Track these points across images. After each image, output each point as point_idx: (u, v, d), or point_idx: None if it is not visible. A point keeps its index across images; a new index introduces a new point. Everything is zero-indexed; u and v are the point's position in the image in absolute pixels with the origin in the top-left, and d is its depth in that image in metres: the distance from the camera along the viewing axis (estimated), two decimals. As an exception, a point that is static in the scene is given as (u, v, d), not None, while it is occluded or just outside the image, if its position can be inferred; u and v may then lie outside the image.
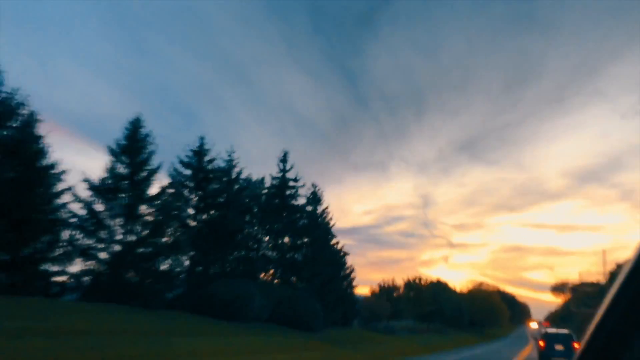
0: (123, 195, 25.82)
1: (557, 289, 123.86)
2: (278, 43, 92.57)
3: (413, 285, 73.15)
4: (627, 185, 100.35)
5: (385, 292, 65.27)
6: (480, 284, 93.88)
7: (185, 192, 31.38)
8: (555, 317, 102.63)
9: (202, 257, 31.32)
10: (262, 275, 37.31)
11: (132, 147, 26.16)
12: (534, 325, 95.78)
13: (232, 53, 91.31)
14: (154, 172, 26.88)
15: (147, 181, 26.51)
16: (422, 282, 76.67)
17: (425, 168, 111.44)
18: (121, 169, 25.98)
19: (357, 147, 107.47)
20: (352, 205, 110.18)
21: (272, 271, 37.64)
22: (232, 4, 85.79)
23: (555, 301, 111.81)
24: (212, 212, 32.51)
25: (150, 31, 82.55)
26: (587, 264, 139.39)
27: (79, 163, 78.80)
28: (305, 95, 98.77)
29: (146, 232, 25.96)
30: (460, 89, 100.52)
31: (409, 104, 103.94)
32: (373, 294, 64.04)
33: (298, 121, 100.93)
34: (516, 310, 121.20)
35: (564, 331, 27.82)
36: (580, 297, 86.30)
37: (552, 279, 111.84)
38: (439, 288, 74.88)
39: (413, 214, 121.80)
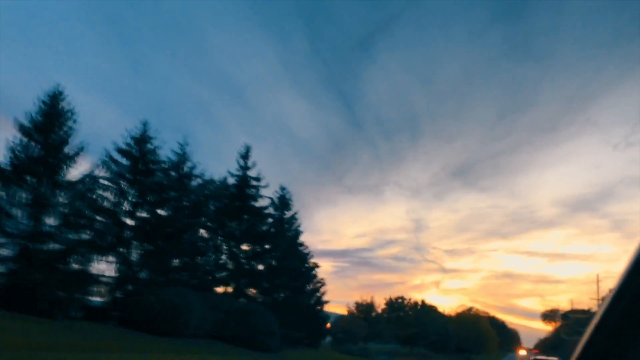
0: (33, 180, 21.49)
1: (548, 316, 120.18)
2: (276, 65, 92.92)
3: (395, 305, 68.59)
4: (618, 216, 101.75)
5: (363, 311, 60.62)
6: (470, 309, 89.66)
7: (123, 185, 27.02)
8: (546, 345, 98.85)
9: (137, 261, 26.85)
10: (215, 285, 32.83)
11: (48, 124, 21.94)
12: (522, 352, 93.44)
13: (230, 73, 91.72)
14: (75, 154, 22.64)
15: (64, 164, 22.19)
16: (406, 303, 72.17)
17: (418, 193, 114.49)
18: (33, 150, 21.69)
19: (352, 170, 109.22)
20: (346, 227, 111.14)
21: (224, 281, 33.03)
22: (231, 25, 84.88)
23: (546, 329, 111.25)
24: (154, 209, 28.14)
25: (149, 49, 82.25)
26: (577, 293, 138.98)
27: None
28: (302, 118, 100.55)
29: (58, 224, 21.55)
30: (455, 115, 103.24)
31: (405, 129, 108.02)
32: (349, 313, 59.23)
33: (294, 143, 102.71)
34: (506, 337, 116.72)
35: (554, 358, 24.39)
36: (571, 324, 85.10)
37: (542, 307, 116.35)
38: (424, 310, 70.19)
39: (406, 238, 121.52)
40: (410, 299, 71.63)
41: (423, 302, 73.30)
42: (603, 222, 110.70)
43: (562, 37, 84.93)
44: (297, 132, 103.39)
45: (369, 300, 63.31)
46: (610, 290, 1.06)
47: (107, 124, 66.33)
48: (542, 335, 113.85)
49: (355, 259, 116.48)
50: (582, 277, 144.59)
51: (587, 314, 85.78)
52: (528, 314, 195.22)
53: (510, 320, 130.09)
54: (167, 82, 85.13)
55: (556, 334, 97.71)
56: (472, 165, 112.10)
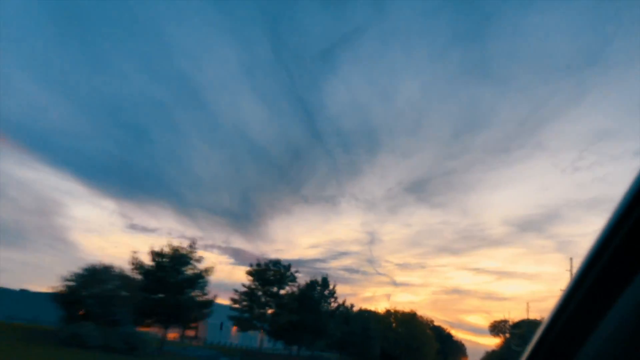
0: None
1: (497, 327, 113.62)
2: (237, 70, 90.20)
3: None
4: (562, 237, 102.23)
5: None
6: (405, 312, 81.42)
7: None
8: (494, 357, 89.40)
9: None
10: None
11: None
12: None
13: (190, 75, 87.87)
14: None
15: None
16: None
17: (374, 206, 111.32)
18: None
19: (309, 181, 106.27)
20: (300, 237, 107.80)
21: None
22: (193, 26, 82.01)
23: (493, 342, 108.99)
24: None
25: (106, 46, 78.66)
26: (521, 311, 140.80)
27: (21, 174, 75.67)
28: (261, 124, 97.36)
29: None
30: (412, 132, 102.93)
31: (363, 142, 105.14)
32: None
33: (251, 149, 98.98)
34: (451, 348, 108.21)
35: None
36: (523, 334, 77.26)
37: (488, 323, 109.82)
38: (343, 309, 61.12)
39: (359, 251, 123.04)
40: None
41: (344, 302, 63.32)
42: (548, 243, 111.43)
43: (518, 61, 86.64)
44: (255, 139, 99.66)
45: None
46: (557, 298, 1.12)
47: (59, 118, 65.89)
48: (490, 350, 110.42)
49: (309, 270, 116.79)
50: (527, 295, 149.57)
51: (539, 324, 79.16)
52: (475, 330, 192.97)
53: (458, 335, 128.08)
54: (124, 79, 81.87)
55: (506, 345, 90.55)
56: (426, 182, 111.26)
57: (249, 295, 50.69)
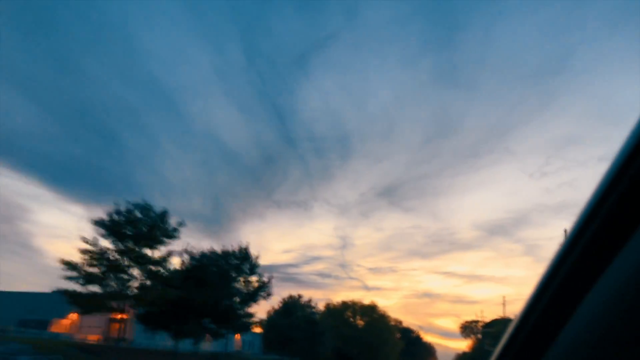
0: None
1: (468, 328, 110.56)
2: (209, 74, 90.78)
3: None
4: (530, 241, 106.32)
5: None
6: (365, 304, 73.96)
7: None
8: (465, 359, 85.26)
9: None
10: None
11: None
12: None
13: (161, 79, 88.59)
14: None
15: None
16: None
17: (346, 211, 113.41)
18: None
19: (282, 185, 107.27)
20: (272, 242, 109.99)
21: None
22: (165, 30, 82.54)
23: (463, 344, 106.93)
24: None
25: (75, 48, 77.03)
26: (490, 314, 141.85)
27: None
28: (233, 129, 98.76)
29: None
30: (384, 137, 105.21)
31: (335, 148, 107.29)
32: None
33: (224, 153, 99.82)
34: (420, 350, 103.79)
35: None
36: (495, 333, 72.94)
37: (458, 327, 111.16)
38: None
39: (331, 255, 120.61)
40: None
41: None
42: (517, 247, 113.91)
43: (487, 69, 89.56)
44: (227, 144, 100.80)
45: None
46: (527, 296, 1.13)
47: (25, 121, 63.68)
48: (460, 352, 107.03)
49: (281, 275, 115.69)
50: (495, 298, 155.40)
51: (510, 322, 75.50)
52: (445, 333, 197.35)
53: (428, 339, 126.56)
54: (94, 82, 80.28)
55: (478, 346, 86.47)
56: (398, 186, 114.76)
57: (99, 259, 31.81)
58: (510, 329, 1.21)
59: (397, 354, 74.70)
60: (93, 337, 41.77)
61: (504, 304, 63.47)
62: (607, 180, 0.88)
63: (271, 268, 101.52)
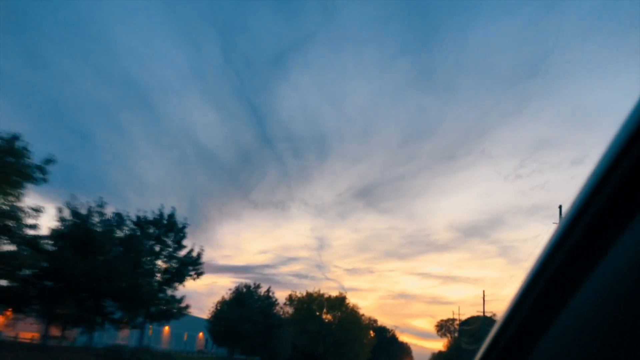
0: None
1: (444, 327, 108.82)
2: (186, 72, 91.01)
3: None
4: (505, 243, 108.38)
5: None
6: (333, 296, 65.98)
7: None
8: (441, 358, 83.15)
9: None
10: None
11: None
12: None
13: (137, 77, 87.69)
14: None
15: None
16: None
17: (323, 211, 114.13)
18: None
19: (259, 185, 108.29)
20: (249, 243, 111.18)
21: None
22: (141, 27, 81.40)
23: (439, 344, 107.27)
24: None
25: (49, 44, 75.11)
26: (468, 313, 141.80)
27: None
28: (210, 128, 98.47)
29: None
30: (362, 138, 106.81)
31: (313, 148, 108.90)
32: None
33: (199, 152, 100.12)
34: (395, 350, 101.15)
35: None
36: (473, 331, 72.00)
37: (433, 328, 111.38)
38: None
39: (308, 256, 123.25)
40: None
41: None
42: (492, 248, 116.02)
43: (464, 72, 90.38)
44: (204, 143, 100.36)
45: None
46: (512, 296, 1.11)
47: None
48: (436, 352, 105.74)
49: (257, 276, 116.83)
50: (470, 299, 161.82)
51: (488, 322, 73.14)
52: (421, 334, 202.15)
53: (404, 339, 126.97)
54: (67, 79, 78.89)
55: (455, 345, 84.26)
56: (375, 187, 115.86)
57: None
58: (495, 328, 1.18)
59: (368, 352, 69.15)
60: None
61: (483, 299, 59.91)
62: (596, 177, 0.85)
63: (248, 269, 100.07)
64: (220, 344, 47.04)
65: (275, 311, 49.33)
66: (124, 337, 41.68)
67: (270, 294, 49.27)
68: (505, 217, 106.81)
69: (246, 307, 42.89)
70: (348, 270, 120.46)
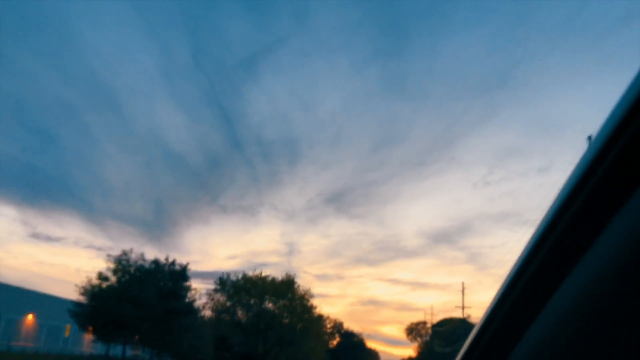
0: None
1: (414, 330, 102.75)
2: (154, 74, 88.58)
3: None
4: (473, 249, 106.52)
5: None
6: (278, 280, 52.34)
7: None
8: None
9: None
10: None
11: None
12: None
13: (103, 77, 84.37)
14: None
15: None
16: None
17: (293, 216, 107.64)
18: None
19: (228, 190, 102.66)
20: (217, 248, 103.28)
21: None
22: (108, 26, 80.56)
23: (407, 352, 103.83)
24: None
25: (10, 42, 72.00)
26: (439, 317, 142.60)
27: None
28: (178, 131, 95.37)
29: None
30: (332, 143, 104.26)
31: (284, 153, 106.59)
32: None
33: (167, 156, 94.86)
34: (362, 355, 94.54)
35: None
36: (446, 334, 68.02)
37: (404, 329, 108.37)
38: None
39: (278, 261, 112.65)
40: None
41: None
42: (460, 255, 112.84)
43: (434, 79, 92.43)
44: (172, 146, 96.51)
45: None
46: (492, 298, 1.14)
47: None
48: (406, 357, 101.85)
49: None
50: (439, 305, 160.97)
51: (463, 323, 67.60)
52: (389, 340, 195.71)
53: (374, 346, 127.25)
54: (29, 77, 76.82)
55: (427, 348, 78.09)
56: (345, 193, 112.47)
57: None
58: (475, 329, 1.20)
59: (322, 353, 57.29)
60: None
61: (463, 292, 53.52)
62: (576, 177, 0.86)
63: (215, 274, 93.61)
64: (100, 336, 35.69)
65: (190, 296, 38.94)
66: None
67: (177, 267, 38.68)
68: (474, 224, 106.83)
69: (133, 289, 32.24)
70: (318, 276, 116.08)
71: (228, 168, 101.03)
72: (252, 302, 47.35)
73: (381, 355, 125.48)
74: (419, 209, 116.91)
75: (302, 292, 50.51)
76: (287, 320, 47.53)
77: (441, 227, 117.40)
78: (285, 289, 49.13)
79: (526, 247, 0.99)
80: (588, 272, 0.85)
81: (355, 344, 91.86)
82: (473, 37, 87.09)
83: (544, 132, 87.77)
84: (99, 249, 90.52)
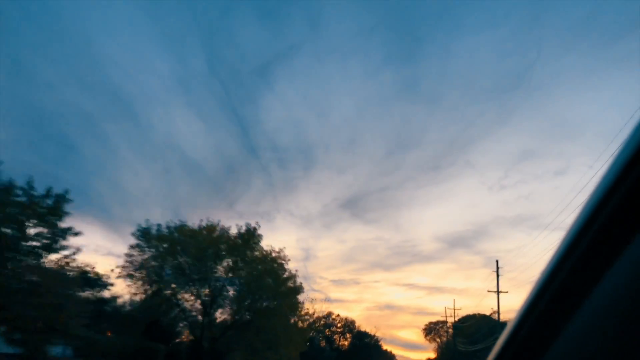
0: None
1: (432, 330, 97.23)
2: (170, 82, 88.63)
3: None
4: (489, 253, 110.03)
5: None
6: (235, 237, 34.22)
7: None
8: None
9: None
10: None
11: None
12: None
13: (121, 87, 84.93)
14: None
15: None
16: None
17: (309, 222, 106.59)
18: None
19: (244, 196, 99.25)
20: None
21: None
22: (124, 36, 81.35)
23: (426, 355, 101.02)
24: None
25: (30, 52, 72.83)
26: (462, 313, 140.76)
27: None
28: (195, 138, 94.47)
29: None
30: (347, 149, 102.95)
31: (299, 159, 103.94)
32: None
33: (185, 163, 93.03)
34: (376, 356, 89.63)
35: None
36: (469, 329, 65.08)
37: (419, 338, 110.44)
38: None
39: (294, 267, 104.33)
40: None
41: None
42: (476, 259, 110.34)
43: (448, 83, 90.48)
44: (189, 154, 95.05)
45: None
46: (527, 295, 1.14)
47: None
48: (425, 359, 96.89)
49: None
50: (456, 310, 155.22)
51: (486, 320, 62.14)
52: (407, 345, 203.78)
53: (389, 349, 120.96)
54: (49, 89, 75.05)
55: (449, 348, 73.04)
56: (360, 198, 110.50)
57: None
58: (505, 332, 1.20)
59: (302, 342, 35.74)
60: None
61: (497, 272, 47.59)
62: (607, 184, 0.88)
63: None
64: None
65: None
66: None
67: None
68: (490, 228, 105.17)
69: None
70: (334, 282, 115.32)
71: (244, 174, 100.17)
72: (182, 261, 29.33)
73: (398, 358, 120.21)
74: (434, 213, 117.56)
75: (273, 252, 32.12)
76: (248, 286, 30.79)
77: (457, 232, 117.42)
78: (242, 245, 30.34)
79: (559, 249, 0.97)
80: (623, 273, 0.83)
81: (369, 345, 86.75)
82: (487, 40, 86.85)
83: (560, 134, 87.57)
84: (118, 256, 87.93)
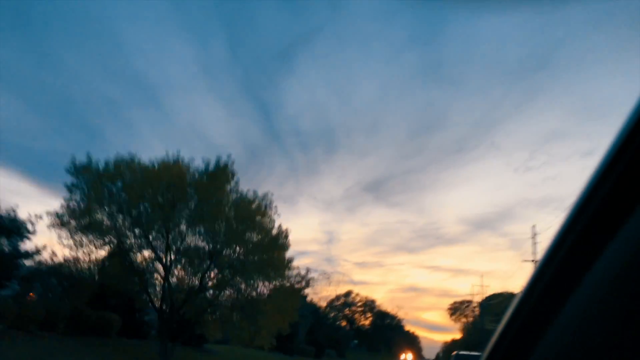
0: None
1: (458, 309, 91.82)
2: (193, 68, 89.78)
3: None
4: (515, 235, 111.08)
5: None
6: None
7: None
8: (463, 342, 67.85)
9: None
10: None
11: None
12: (409, 357, 71.67)
13: (145, 73, 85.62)
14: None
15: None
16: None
17: (332, 205, 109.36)
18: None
19: (267, 180, 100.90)
20: None
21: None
22: (147, 23, 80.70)
23: (450, 336, 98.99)
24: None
25: (57, 42, 73.98)
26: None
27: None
28: (218, 123, 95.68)
29: None
30: (370, 132, 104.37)
31: (321, 142, 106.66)
32: None
33: (208, 148, 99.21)
34: (397, 336, 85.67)
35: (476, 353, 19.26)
36: (496, 310, 60.84)
37: (444, 320, 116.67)
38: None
39: (318, 250, 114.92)
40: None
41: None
42: (502, 241, 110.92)
43: (472, 64, 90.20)
44: (212, 137, 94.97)
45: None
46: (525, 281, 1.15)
47: (7, 115, 59.05)
48: (449, 341, 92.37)
49: None
50: (481, 293, 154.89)
51: (512, 296, 56.37)
52: (431, 326, 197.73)
53: (413, 330, 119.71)
54: (75, 77, 77.65)
55: (476, 327, 69.23)
56: (383, 181, 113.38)
57: None
58: (508, 312, 1.18)
59: (292, 309, 25.02)
60: None
61: (533, 237, 42.14)
62: (597, 174, 0.90)
63: None
64: None
65: None
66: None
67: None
68: (516, 210, 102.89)
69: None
70: (357, 264, 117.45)
71: (267, 159, 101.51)
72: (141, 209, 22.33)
73: (422, 340, 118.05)
74: (459, 195, 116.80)
75: (248, 196, 24.07)
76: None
77: (482, 214, 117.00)
78: (208, 186, 22.44)
79: (556, 234, 0.98)
80: (617, 257, 0.84)
81: (391, 326, 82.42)
82: (512, 20, 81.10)
83: (587, 114, 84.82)
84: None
